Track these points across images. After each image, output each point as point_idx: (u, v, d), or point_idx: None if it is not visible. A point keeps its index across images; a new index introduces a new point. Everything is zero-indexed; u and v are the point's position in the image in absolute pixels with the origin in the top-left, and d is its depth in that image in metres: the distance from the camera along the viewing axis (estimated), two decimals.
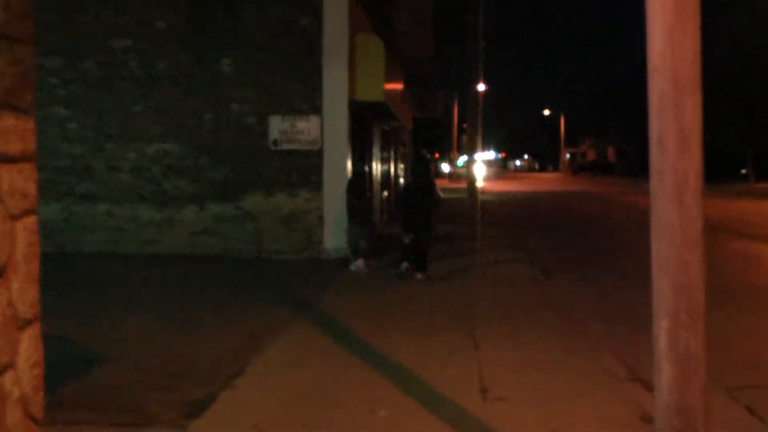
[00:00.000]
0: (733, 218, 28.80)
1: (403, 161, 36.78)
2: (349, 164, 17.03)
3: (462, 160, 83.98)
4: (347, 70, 16.56)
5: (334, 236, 16.67)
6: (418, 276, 14.20)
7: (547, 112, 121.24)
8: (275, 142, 16.68)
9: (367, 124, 21.17)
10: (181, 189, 16.93)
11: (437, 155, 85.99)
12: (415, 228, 14.25)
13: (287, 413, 6.79)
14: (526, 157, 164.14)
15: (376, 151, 23.53)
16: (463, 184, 53.55)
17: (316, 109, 16.62)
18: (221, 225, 16.91)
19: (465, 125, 61.41)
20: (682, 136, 4.06)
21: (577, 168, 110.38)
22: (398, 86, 22.48)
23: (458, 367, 8.27)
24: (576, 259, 17.73)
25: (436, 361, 8.50)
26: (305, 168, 16.72)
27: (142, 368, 8.24)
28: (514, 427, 6.48)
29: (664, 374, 4.26)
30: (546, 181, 75.93)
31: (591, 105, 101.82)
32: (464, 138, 32.15)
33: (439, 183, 40.00)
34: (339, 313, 11.17)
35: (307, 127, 16.62)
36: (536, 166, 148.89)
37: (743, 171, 67.22)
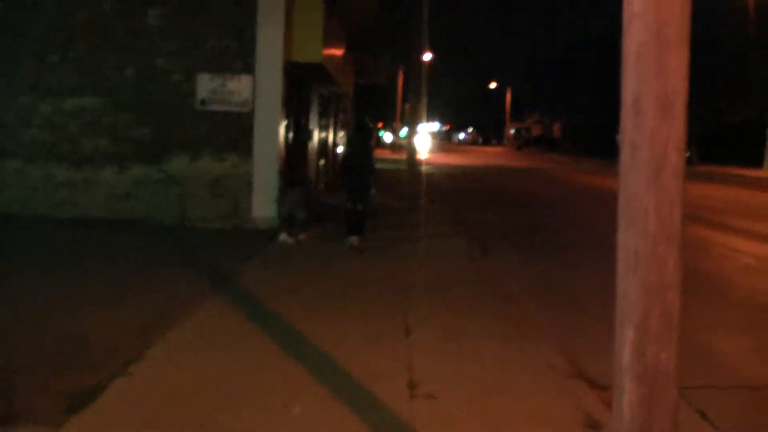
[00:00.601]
0: None
1: (344, 128, 35.75)
2: (282, 129, 16.01)
3: (405, 130, 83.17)
4: (283, 29, 15.49)
5: (263, 205, 15.68)
6: (352, 239, 13.93)
7: (493, 85, 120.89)
8: (203, 102, 15.59)
9: (304, 88, 20.11)
10: (100, 148, 15.75)
11: (380, 124, 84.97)
12: (355, 196, 14.05)
13: (185, 408, 5.88)
14: (470, 130, 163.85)
15: (313, 117, 22.48)
16: (405, 155, 52.69)
17: (249, 69, 15.55)
18: (143, 189, 15.79)
19: (407, 101, 60.56)
20: (665, 99, 3.23)
21: (522, 143, 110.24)
22: (339, 50, 21.43)
23: (386, 356, 7.43)
24: (515, 236, 17.02)
25: (363, 348, 7.64)
26: (234, 131, 15.66)
27: (24, 350, 7.24)
28: (440, 430, 5.68)
29: (627, 394, 3.48)
30: (490, 156, 75.52)
31: (538, 79, 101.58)
32: (407, 107, 31.24)
33: (381, 153, 39.23)
34: (261, 289, 10.23)
35: (238, 87, 15.54)
36: (480, 139, 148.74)
37: (687, 153, 67.51)
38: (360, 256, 13.14)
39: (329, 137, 28.78)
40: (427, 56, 31.02)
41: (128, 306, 9.01)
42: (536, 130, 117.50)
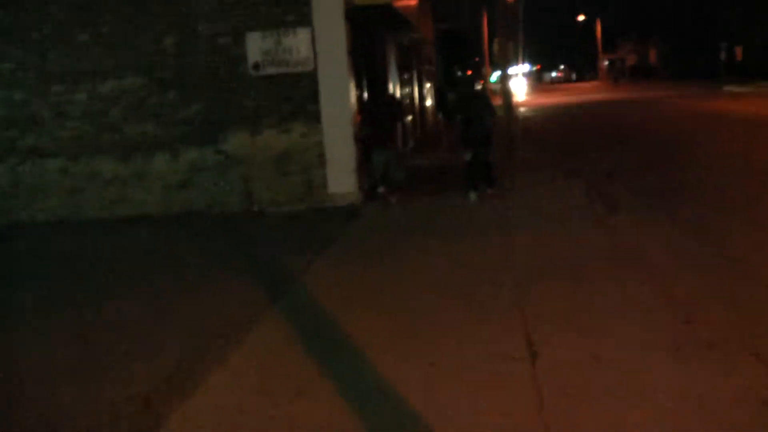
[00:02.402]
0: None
1: (430, 80, 33.09)
2: (353, 87, 13.58)
3: (496, 75, 79.67)
4: None
5: (340, 179, 13.35)
6: (489, 191, 13.34)
7: (581, 18, 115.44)
8: (257, 66, 13.27)
9: (376, 38, 17.60)
10: (148, 134, 13.66)
11: (469, 72, 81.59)
12: (476, 142, 13.21)
13: None
14: (561, 67, 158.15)
15: (392, 70, 19.96)
16: (499, 101, 49.63)
17: (305, 21, 13.13)
18: (200, 175, 13.65)
19: (496, 38, 57.18)
20: None
21: (618, 74, 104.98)
22: None
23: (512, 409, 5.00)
24: (645, 185, 14.18)
25: (477, 380, 5.23)
26: (298, 95, 13.32)
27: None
28: None
29: None
30: (587, 91, 71.16)
31: (628, 4, 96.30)
32: (495, 47, 28.42)
33: None
34: (333, 294, 7.91)
35: (295, 44, 13.16)
36: (573, 76, 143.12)
37: None
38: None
39: (414, 91, 26.20)
40: None
41: (153, 349, 6.76)
42: (631, 60, 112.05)
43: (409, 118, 23.43)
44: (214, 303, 7.96)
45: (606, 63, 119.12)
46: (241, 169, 13.53)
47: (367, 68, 16.28)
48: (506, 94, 21.98)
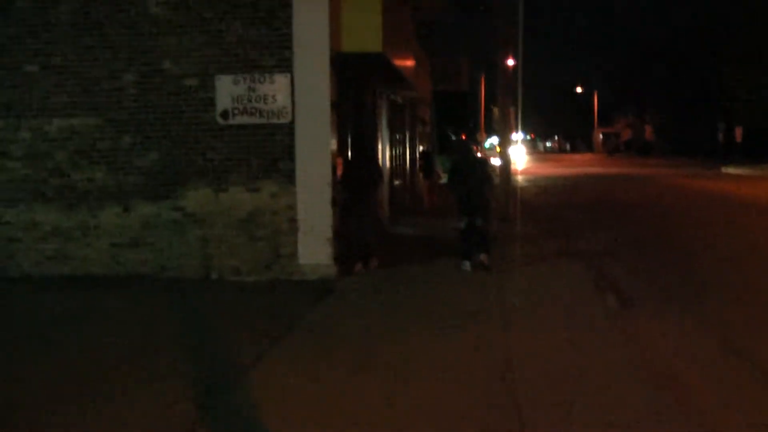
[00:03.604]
0: None
1: (423, 142, 31.60)
2: (334, 143, 11.92)
3: (490, 141, 78.53)
4: (328, 9, 11.43)
5: (313, 248, 11.62)
6: (482, 257, 12.43)
7: (579, 90, 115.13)
8: (225, 114, 11.62)
9: (367, 92, 16.03)
10: (97, 182, 11.92)
11: (464, 136, 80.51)
12: (472, 209, 12.39)
13: None
14: (555, 138, 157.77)
15: (383, 129, 18.37)
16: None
17: (285, 65, 11.54)
18: (154, 233, 11.89)
19: (492, 106, 56.02)
20: None
21: (613, 148, 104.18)
22: (407, 43, 17.31)
23: None
24: (660, 271, 12.50)
25: None
26: (270, 150, 11.67)
27: None
28: None
29: None
30: (582, 163, 69.93)
31: (625, 80, 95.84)
32: (495, 115, 27.29)
33: None
34: (278, 408, 6.12)
35: (271, 91, 11.54)
36: (567, 147, 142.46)
37: None
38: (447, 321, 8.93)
39: (407, 153, 24.64)
40: (510, 62, 26.50)
41: None
42: (626, 134, 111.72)
43: (397, 182, 21.82)
44: (115, 413, 6.13)
45: (601, 136, 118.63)
46: (201, 230, 11.79)
47: (354, 125, 14.66)
48: (506, 162, 20.38)
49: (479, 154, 13.49)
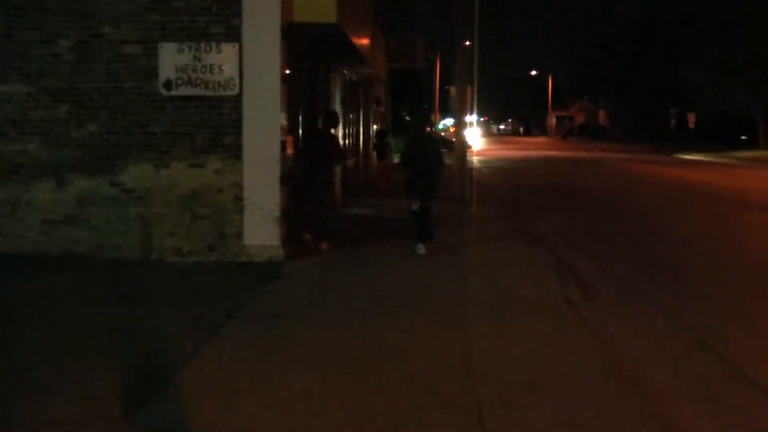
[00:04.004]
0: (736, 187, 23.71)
1: (379, 122, 30.98)
2: (281, 118, 11.28)
3: (444, 123, 78.07)
4: None
5: (259, 228, 11.01)
6: (420, 247, 11.97)
7: (533, 73, 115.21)
8: (169, 84, 10.92)
9: (320, 67, 15.37)
10: (29, 155, 11.15)
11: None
12: (424, 191, 12.05)
13: None
14: (509, 120, 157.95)
15: (336, 107, 17.73)
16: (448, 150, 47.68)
17: (233, 34, 10.86)
18: (90, 210, 11.16)
19: (448, 86, 55.46)
20: None
21: (567, 132, 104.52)
22: (364, 16, 16.65)
23: None
24: (617, 256, 12.12)
25: None
26: (216, 124, 11.00)
27: None
28: None
29: None
30: (535, 146, 69.91)
31: (580, 64, 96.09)
32: (452, 94, 26.85)
33: None
34: (210, 416, 5.53)
35: (217, 61, 10.85)
36: (521, 130, 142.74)
37: (743, 137, 61.87)
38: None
39: (360, 132, 24.02)
40: (467, 43, 26.00)
41: None
42: (580, 118, 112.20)
43: (350, 161, 21.21)
44: (33, 411, 5.50)
45: (554, 120, 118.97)
46: (141, 207, 11.09)
47: (306, 100, 14.02)
48: (461, 144, 19.88)
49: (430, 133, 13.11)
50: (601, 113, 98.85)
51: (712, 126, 62.33)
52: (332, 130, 13.04)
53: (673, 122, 64.92)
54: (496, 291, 9.57)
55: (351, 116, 21.84)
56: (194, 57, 10.85)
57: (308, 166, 12.29)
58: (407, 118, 46.61)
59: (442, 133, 51.04)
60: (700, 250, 13.05)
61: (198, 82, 10.88)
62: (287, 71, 11.50)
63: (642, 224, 16.21)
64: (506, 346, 7.20)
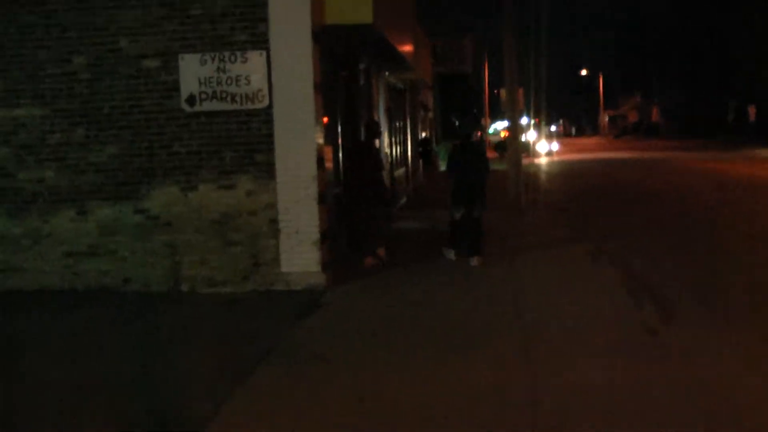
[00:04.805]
0: None
1: (428, 129, 29.94)
2: (321, 131, 10.27)
3: (494, 126, 76.62)
4: None
5: (298, 252, 10.00)
6: (474, 262, 11.34)
7: (584, 72, 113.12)
8: (192, 100, 9.98)
9: (360, 74, 14.35)
10: (47, 183, 10.30)
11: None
12: (469, 199, 11.58)
13: None
14: (560, 121, 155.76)
15: (380, 116, 16.70)
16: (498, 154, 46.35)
17: (260, 42, 9.89)
18: (114, 239, 10.27)
19: (498, 89, 54.18)
20: None
21: (620, 131, 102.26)
22: (405, 16, 15.63)
23: None
24: (701, 274, 10.83)
25: None
26: (245, 141, 10.04)
27: None
28: None
29: None
30: (590, 147, 67.93)
31: (631, 61, 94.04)
32: (503, 97, 25.87)
33: None
34: None
35: (244, 71, 9.89)
36: (573, 131, 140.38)
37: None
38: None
39: (408, 141, 22.97)
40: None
41: None
42: (632, 116, 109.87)
43: (400, 171, 20.18)
44: None
45: (607, 119, 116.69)
46: (168, 234, 10.16)
47: (346, 111, 13.02)
48: (516, 148, 18.70)
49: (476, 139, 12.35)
50: (654, 110, 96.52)
51: None
52: (376, 142, 12.25)
53: (731, 116, 62.83)
54: (560, 317, 8.41)
55: (397, 124, 20.82)
56: (218, 68, 9.89)
57: (353, 182, 11.68)
58: (456, 123, 45.48)
59: (502, 136, 49.88)
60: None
61: (223, 95, 9.92)
62: (322, 79, 10.48)
63: (725, 234, 14.77)
64: (578, 387, 6.07)
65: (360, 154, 11.92)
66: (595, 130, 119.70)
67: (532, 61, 38.61)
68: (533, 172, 30.39)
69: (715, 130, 66.26)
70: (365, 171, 11.64)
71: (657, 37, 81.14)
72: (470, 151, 11.87)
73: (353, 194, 11.76)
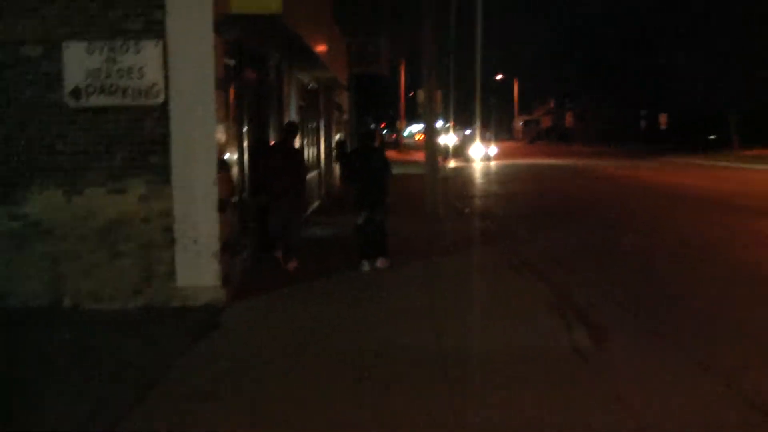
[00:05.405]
0: (740, 192, 21.96)
1: (343, 131, 29.07)
2: (222, 131, 9.31)
3: (410, 129, 76.30)
4: None
5: (196, 265, 9.02)
6: (379, 263, 11.25)
7: (499, 77, 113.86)
8: (77, 93, 8.92)
9: (270, 71, 13.39)
10: None
11: (383, 125, 77.92)
12: (370, 204, 11.31)
13: None
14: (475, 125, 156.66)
15: (292, 116, 15.74)
16: (414, 157, 45.82)
17: (155, 30, 8.89)
18: None
19: (411, 93, 53.66)
20: None
21: (535, 136, 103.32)
22: (319, 11, 14.74)
23: None
24: (624, 283, 10.26)
25: None
26: (138, 140, 9.02)
27: None
28: None
29: None
30: (506, 152, 68.31)
31: (545, 67, 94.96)
32: (420, 99, 25.31)
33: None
34: None
35: (137, 63, 8.88)
36: (490, 135, 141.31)
37: (712, 137, 60.51)
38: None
39: (321, 143, 22.05)
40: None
41: None
42: (546, 122, 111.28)
43: (312, 174, 19.26)
44: None
45: (521, 124, 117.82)
46: (49, 244, 9.05)
47: (253, 109, 12.07)
48: (432, 151, 17.98)
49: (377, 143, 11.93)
50: (568, 116, 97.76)
51: (681, 126, 60.97)
52: (296, 144, 11.59)
53: (643, 123, 63.86)
54: (483, 338, 7.66)
55: (310, 125, 19.89)
56: (108, 58, 8.86)
57: (267, 184, 11.11)
58: (372, 126, 44.81)
59: (417, 139, 49.41)
60: (715, 265, 11.27)
61: (113, 89, 8.89)
62: (226, 74, 9.53)
63: (643, 239, 14.31)
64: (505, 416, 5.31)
65: (281, 154, 11.24)
66: (510, 135, 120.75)
67: (451, 64, 38.17)
68: (461, 177, 29.80)
69: (627, 136, 67.23)
70: (286, 172, 11.10)
71: (577, 46, 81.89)
72: (369, 156, 11.51)
73: (272, 197, 11.14)
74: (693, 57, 52.49)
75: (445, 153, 42.63)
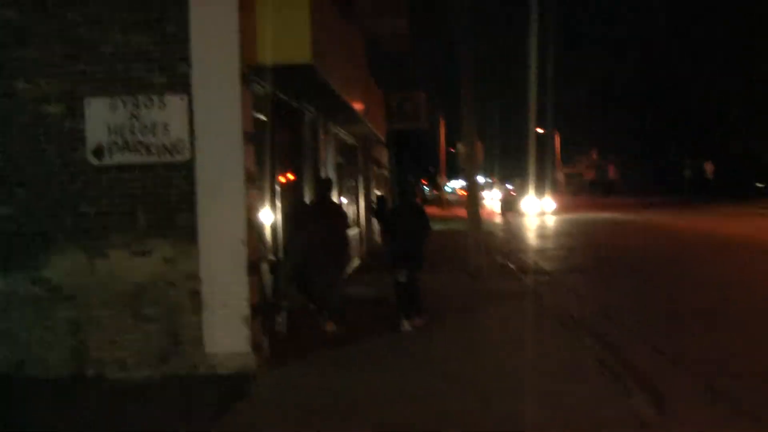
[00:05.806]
0: None
1: (381, 187, 28.63)
2: (250, 189, 8.83)
3: (451, 185, 75.81)
4: (237, 6, 8.45)
5: (224, 330, 8.50)
6: (416, 322, 10.89)
7: (539, 130, 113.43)
8: (100, 151, 8.53)
9: (305, 126, 12.98)
10: None
11: (424, 181, 77.52)
12: (410, 261, 11.03)
13: None
14: (516, 180, 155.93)
15: (329, 171, 15.32)
16: (456, 212, 45.13)
17: (180, 84, 8.51)
18: (7, 316, 8.70)
19: (451, 148, 53.30)
20: None
21: (577, 189, 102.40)
22: (355, 63, 14.35)
23: None
24: (693, 350, 9.52)
25: None
26: (163, 199, 8.58)
27: None
28: None
29: None
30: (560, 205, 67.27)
31: (585, 119, 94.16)
32: (460, 152, 24.91)
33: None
34: None
35: (161, 118, 8.49)
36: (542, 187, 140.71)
37: (759, 185, 59.18)
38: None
39: (360, 200, 21.60)
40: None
41: None
42: (589, 174, 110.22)
43: (353, 232, 18.76)
44: None
45: (563, 176, 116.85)
46: (71, 310, 8.61)
47: (288, 166, 11.64)
48: (474, 206, 17.38)
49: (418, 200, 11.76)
50: (611, 168, 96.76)
51: (729, 174, 59.66)
52: (335, 199, 11.29)
53: (687, 173, 62.64)
54: (533, 405, 7.00)
55: (349, 183, 19.48)
56: (131, 114, 8.48)
57: (305, 244, 10.67)
58: (413, 181, 44.43)
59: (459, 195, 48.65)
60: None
61: (137, 146, 8.50)
62: (256, 129, 9.10)
63: (705, 294, 13.48)
64: None
65: (321, 212, 10.90)
66: (552, 188, 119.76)
67: (487, 120, 37.66)
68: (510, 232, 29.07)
69: (672, 187, 66.03)
70: (326, 230, 10.73)
71: (612, 98, 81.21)
72: (408, 212, 11.31)
73: (314, 257, 10.66)
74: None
75: (500, 207, 41.91)
